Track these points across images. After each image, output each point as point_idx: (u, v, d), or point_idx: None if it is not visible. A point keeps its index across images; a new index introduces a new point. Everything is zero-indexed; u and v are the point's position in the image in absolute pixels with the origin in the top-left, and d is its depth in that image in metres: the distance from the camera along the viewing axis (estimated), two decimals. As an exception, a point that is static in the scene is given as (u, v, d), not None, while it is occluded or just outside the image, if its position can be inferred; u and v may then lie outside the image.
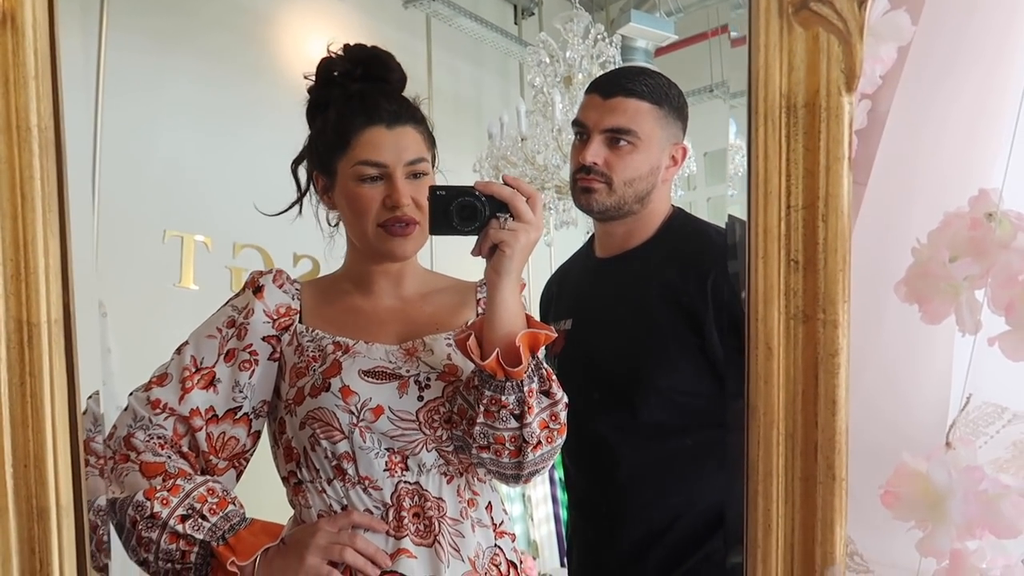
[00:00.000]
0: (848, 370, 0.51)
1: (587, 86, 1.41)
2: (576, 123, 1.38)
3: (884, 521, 0.60)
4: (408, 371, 1.07)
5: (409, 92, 1.18)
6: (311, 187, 1.18)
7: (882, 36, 0.54)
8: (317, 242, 1.26)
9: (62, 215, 0.48)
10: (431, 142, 1.16)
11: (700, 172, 4.21)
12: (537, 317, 1.59)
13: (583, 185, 1.34)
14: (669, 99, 1.38)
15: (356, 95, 1.12)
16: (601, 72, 3.11)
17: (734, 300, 1.23)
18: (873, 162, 0.60)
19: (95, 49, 3.13)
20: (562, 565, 4.19)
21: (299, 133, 1.23)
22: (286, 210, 1.21)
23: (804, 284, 0.51)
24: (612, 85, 1.37)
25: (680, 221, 1.41)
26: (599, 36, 3.17)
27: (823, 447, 0.51)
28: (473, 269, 1.09)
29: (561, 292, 1.54)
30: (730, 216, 0.59)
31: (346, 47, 1.17)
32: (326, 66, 1.16)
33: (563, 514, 4.47)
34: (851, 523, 0.54)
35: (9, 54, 0.47)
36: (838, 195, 0.50)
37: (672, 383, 1.29)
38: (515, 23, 5.35)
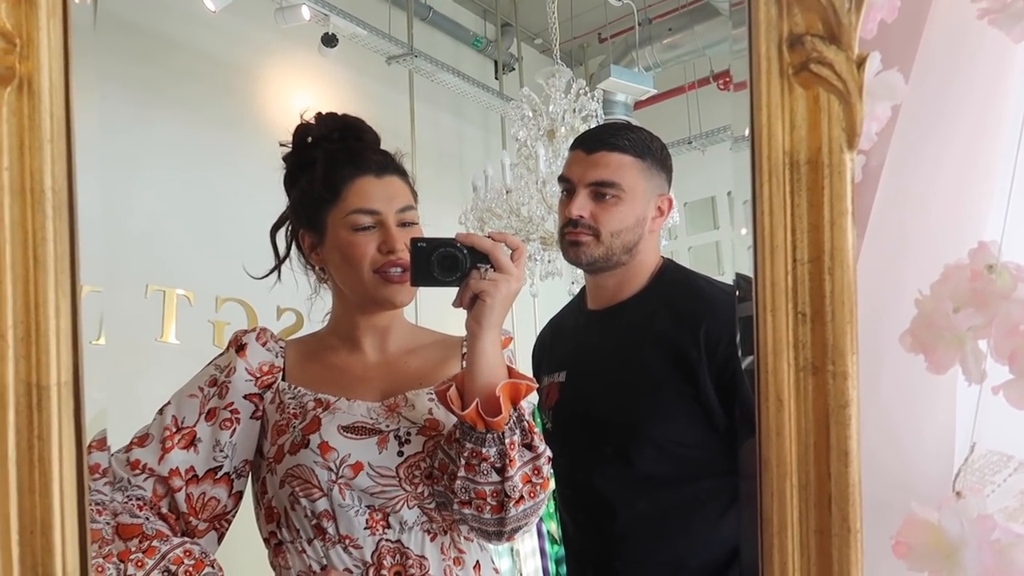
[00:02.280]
0: (859, 421, 0.51)
1: (571, 141, 1.45)
2: (562, 179, 1.41)
3: (895, 573, 0.60)
4: (388, 426, 1.07)
5: (391, 146, 1.21)
6: (298, 248, 1.20)
7: (877, 95, 0.55)
8: (300, 296, 1.26)
9: (73, 276, 0.48)
10: (414, 195, 1.18)
11: (681, 222, 4.26)
12: (529, 370, 1.60)
13: (571, 239, 1.37)
14: (651, 152, 1.41)
15: (341, 150, 1.15)
16: (583, 125, 3.17)
17: (728, 350, 1.24)
18: (870, 215, 0.61)
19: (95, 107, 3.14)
20: (550, 611, 4.12)
21: (281, 189, 1.25)
22: (265, 276, 1.23)
23: (812, 336, 0.52)
24: (595, 140, 1.41)
25: (671, 272, 1.43)
26: (581, 91, 3.23)
27: (837, 499, 0.51)
28: (456, 323, 1.10)
29: (554, 344, 1.55)
30: (737, 275, 0.59)
31: (318, 116, 1.21)
32: (303, 133, 1.19)
33: (551, 568, 4.40)
34: None
35: (25, 118, 0.47)
36: (843, 248, 0.51)
37: (666, 433, 1.29)
38: (496, 78, 5.45)
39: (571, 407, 1.40)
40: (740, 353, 0.57)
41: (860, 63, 0.50)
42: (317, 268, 1.20)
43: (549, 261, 3.23)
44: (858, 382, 0.51)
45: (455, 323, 1.09)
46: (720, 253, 5.64)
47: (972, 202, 0.59)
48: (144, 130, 3.50)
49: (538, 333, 1.65)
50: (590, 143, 1.41)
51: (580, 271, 3.16)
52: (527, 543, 4.33)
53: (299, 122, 1.20)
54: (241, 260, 1.37)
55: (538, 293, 3.44)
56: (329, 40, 3.98)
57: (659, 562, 1.28)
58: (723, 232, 5.62)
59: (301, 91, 4.41)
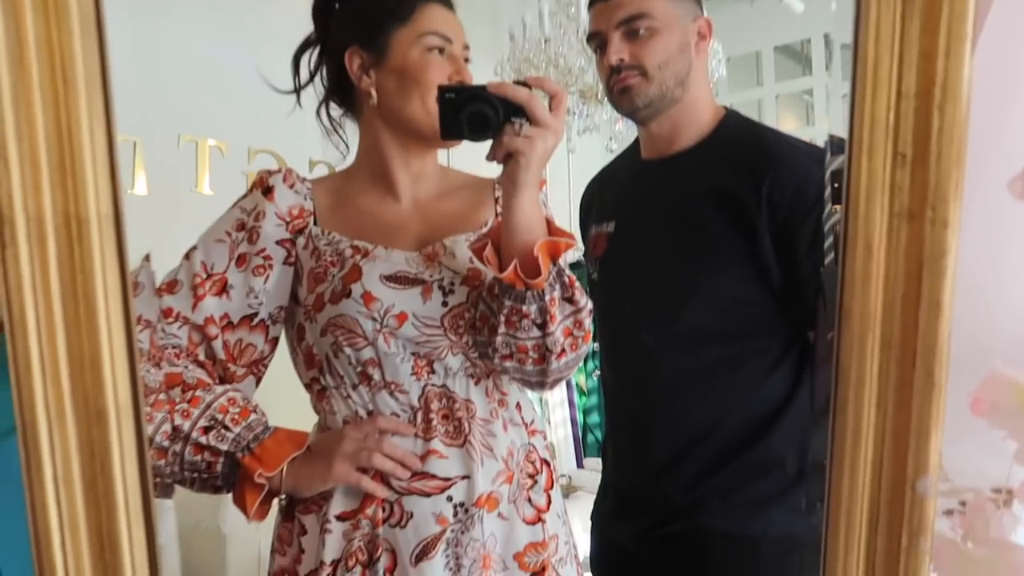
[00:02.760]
0: (955, 272, 0.47)
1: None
2: (591, 37, 1.34)
3: (967, 430, 0.57)
4: (431, 276, 1.04)
5: None
6: (335, 72, 1.12)
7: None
8: (332, 148, 1.21)
9: (107, 100, 0.44)
10: None
11: (723, 78, 4.08)
12: (569, 223, 1.55)
13: (619, 87, 1.30)
14: None
15: None
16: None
17: (791, 204, 1.19)
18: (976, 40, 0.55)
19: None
20: (579, 467, 4.27)
21: (304, 31, 1.17)
22: (290, 92, 1.16)
23: (912, 180, 0.47)
24: None
25: (734, 122, 1.36)
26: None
27: (923, 353, 0.48)
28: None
29: (604, 194, 1.50)
30: (831, 135, 0.54)
31: None
32: None
33: (579, 417, 4.53)
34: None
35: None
36: (958, 81, 0.45)
37: (718, 289, 1.26)
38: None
39: (619, 258, 1.37)
40: (828, 209, 0.52)
41: None
42: (362, 91, 1.11)
43: (587, 115, 3.13)
44: (958, 230, 0.47)
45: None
46: (762, 112, 5.45)
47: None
48: None
49: (586, 184, 1.60)
50: None
51: (619, 127, 3.06)
52: (555, 393, 4.44)
53: None
54: (273, 109, 1.32)
55: (575, 149, 3.36)
56: None
57: (696, 418, 1.28)
58: (766, 90, 5.41)
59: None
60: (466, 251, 1.06)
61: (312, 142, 1.21)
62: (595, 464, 3.98)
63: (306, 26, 1.18)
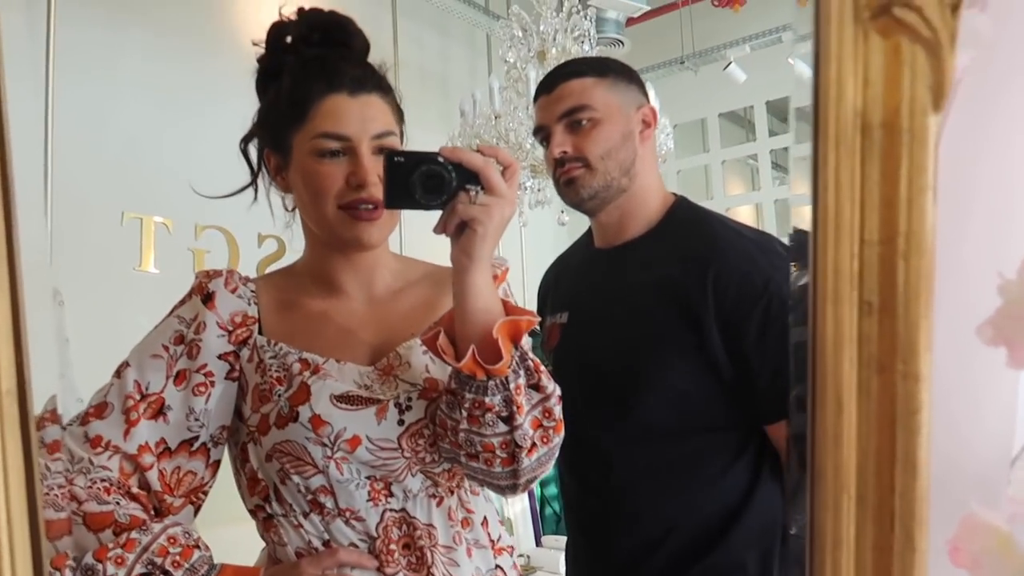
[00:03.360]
0: (930, 428, 0.45)
1: (535, 90, 1.39)
2: (536, 130, 1.36)
3: (946, 576, 0.54)
4: (386, 394, 0.97)
5: (373, 61, 1.07)
6: (265, 168, 1.07)
7: (960, 43, 0.47)
8: (282, 221, 1.16)
9: (11, 258, 0.40)
10: (399, 115, 1.05)
11: (671, 146, 4.15)
12: (531, 297, 1.52)
13: (564, 178, 1.30)
14: (612, 68, 1.34)
15: (314, 60, 1.01)
16: (575, 45, 3.04)
17: (738, 296, 1.17)
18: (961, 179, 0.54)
19: (43, 24, 2.97)
20: (537, 544, 4.18)
21: (251, 103, 1.13)
22: (235, 193, 1.10)
23: (880, 330, 0.45)
24: (551, 78, 1.35)
25: (682, 210, 1.37)
26: (573, 9, 3.08)
27: (901, 516, 0.45)
28: (446, 250, 0.96)
29: (559, 282, 1.50)
30: (795, 229, 0.52)
31: (300, 11, 1.05)
32: (278, 31, 1.05)
33: (536, 489, 4.45)
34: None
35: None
36: (921, 230, 0.43)
37: (667, 383, 1.24)
38: (482, -7, 5.23)
39: (571, 350, 1.36)
40: (790, 322, 0.50)
41: (955, 7, 0.42)
42: (283, 193, 1.08)
43: (539, 189, 3.14)
44: (931, 384, 0.45)
45: (444, 250, 0.97)
46: (709, 177, 5.55)
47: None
48: (114, 53, 3.34)
49: (544, 270, 1.59)
50: (547, 83, 1.35)
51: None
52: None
53: (277, 17, 1.06)
54: (219, 184, 1.28)
55: (527, 223, 3.36)
56: (306, -48, 3.77)
57: (652, 520, 1.25)
58: (712, 156, 5.53)
59: (279, 8, 4.21)
60: (421, 358, 1.00)
61: (261, 216, 1.15)
62: (554, 542, 3.90)
63: (252, 101, 1.14)
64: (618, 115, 1.30)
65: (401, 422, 0.96)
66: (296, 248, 1.18)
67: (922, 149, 0.43)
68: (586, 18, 3.10)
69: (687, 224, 1.33)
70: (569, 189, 1.32)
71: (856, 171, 0.44)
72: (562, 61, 3.14)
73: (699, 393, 1.23)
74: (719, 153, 5.37)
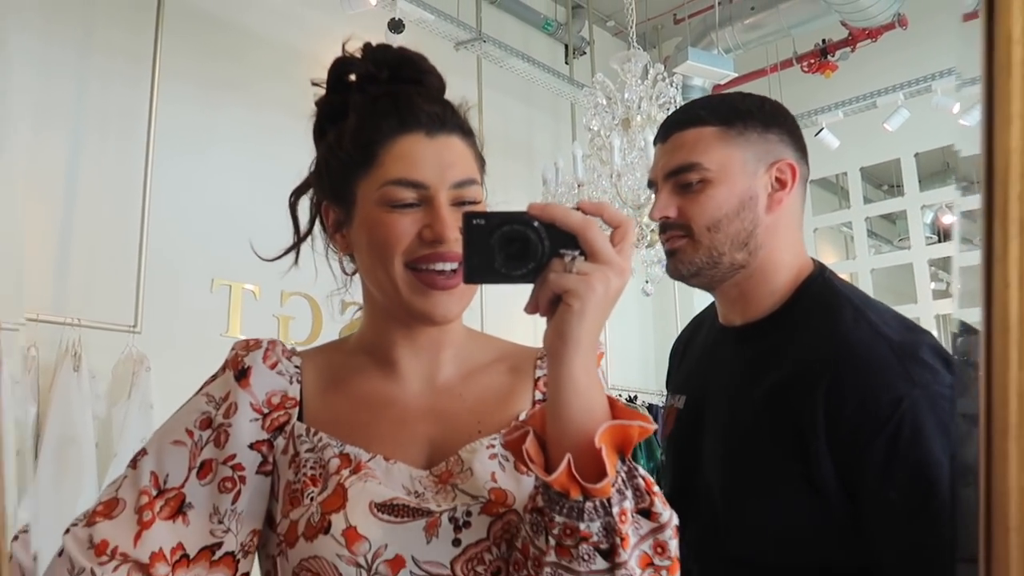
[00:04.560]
0: None
1: (648, 132, 1.23)
2: (649, 183, 1.17)
3: None
4: (439, 504, 0.79)
5: (452, 99, 0.91)
6: (320, 224, 0.92)
7: None
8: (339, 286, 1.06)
9: None
10: (481, 162, 0.89)
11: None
12: (656, 384, 1.26)
13: (667, 247, 1.11)
14: (743, 113, 1.11)
15: (384, 96, 0.86)
16: (661, 113, 2.98)
17: (858, 417, 0.92)
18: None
19: (145, 102, 3.11)
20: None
21: None
22: (276, 258, 0.95)
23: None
24: (667, 126, 1.15)
25: (816, 287, 1.12)
26: (658, 76, 3.04)
27: None
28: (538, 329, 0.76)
29: (684, 355, 1.29)
30: (961, 323, 0.43)
31: (367, 46, 0.90)
32: (341, 67, 0.91)
33: None
34: None
35: None
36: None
37: (764, 511, 1.04)
38: (566, 62, 5.26)
39: (682, 447, 1.17)
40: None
41: None
42: (342, 255, 0.91)
43: (623, 258, 3.07)
44: None
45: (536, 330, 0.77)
46: (801, 244, 5.36)
47: None
48: (208, 121, 3.46)
49: (674, 342, 1.36)
50: (662, 131, 1.15)
51: (656, 270, 2.93)
52: None
53: (341, 53, 0.91)
54: (307, 253, 1.22)
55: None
56: (396, 26, 3.86)
57: None
58: (806, 223, 5.31)
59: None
60: (486, 463, 0.82)
61: (283, 271, 1.05)
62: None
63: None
64: (738, 176, 1.08)
65: (457, 542, 0.77)
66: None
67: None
68: (671, 85, 3.05)
69: (815, 310, 1.08)
70: (670, 262, 1.12)
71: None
72: (646, 129, 3.09)
73: (801, 534, 1.00)
74: (811, 221, 5.20)
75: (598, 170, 2.99)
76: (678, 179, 1.10)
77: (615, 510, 0.69)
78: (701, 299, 1.23)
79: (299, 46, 3.84)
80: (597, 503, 0.69)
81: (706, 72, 4.10)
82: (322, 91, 0.93)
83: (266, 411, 0.85)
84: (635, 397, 4.54)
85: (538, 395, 0.88)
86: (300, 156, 0.97)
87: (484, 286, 0.78)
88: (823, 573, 1.00)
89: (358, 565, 0.75)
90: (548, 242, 0.68)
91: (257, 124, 3.60)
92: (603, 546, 0.69)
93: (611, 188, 2.82)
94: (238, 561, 0.81)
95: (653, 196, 1.16)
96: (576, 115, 5.06)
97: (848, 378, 0.97)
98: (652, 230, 2.77)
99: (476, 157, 0.87)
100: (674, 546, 0.73)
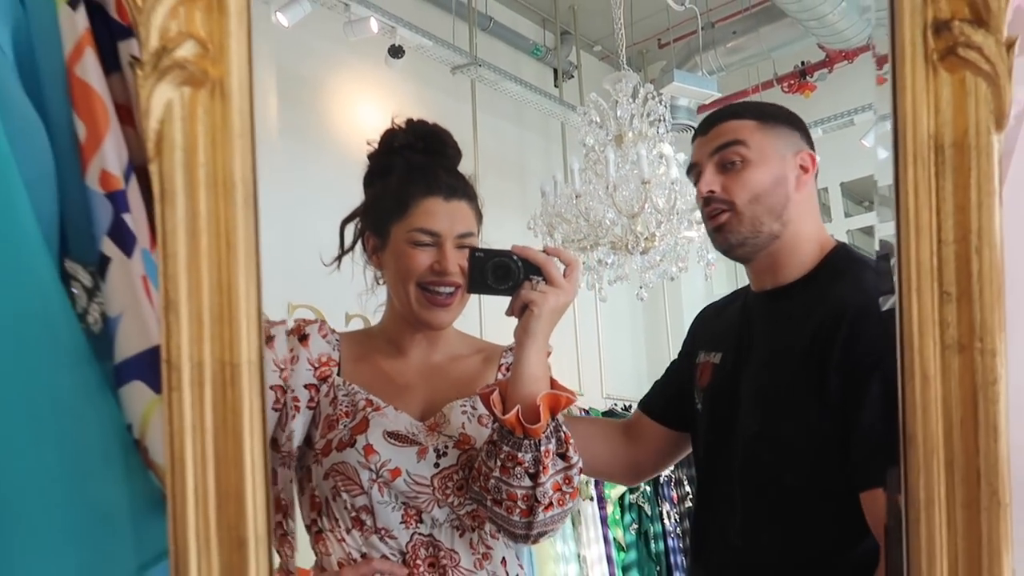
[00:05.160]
0: (1007, 397, 0.52)
1: (639, 146, 1.41)
2: (690, 168, 1.36)
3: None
4: (428, 441, 1.15)
5: (465, 171, 1.26)
6: (362, 246, 1.26)
7: (1016, 80, 0.57)
8: (369, 304, 1.31)
9: (258, 261, 0.52)
10: (479, 217, 1.24)
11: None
12: (605, 361, 1.59)
13: (712, 224, 1.30)
14: (772, 114, 1.33)
15: (418, 166, 1.21)
16: (651, 129, 3.19)
17: (863, 353, 1.12)
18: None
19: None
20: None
21: (348, 197, 1.32)
22: (331, 263, 1.28)
23: (959, 315, 0.53)
24: (708, 120, 1.35)
25: (842, 258, 1.30)
26: (649, 95, 3.24)
27: (986, 474, 0.52)
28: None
29: (714, 321, 1.49)
30: (881, 241, 0.61)
31: (409, 122, 1.27)
32: (390, 137, 1.26)
33: (618, 574, 4.38)
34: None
35: (217, 117, 0.51)
36: (991, 229, 0.52)
37: (794, 439, 1.23)
38: (555, 85, 5.48)
39: (720, 392, 1.35)
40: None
41: (1009, 46, 0.51)
42: (376, 270, 1.27)
43: (618, 266, 3.24)
44: (1006, 359, 0.53)
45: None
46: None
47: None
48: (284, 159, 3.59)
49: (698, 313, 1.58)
50: (704, 124, 1.34)
51: (649, 276, 3.10)
52: (594, 549, 4.33)
53: (390, 125, 1.27)
54: (309, 268, 1.43)
55: (607, 299, 3.45)
56: (396, 51, 4.06)
57: (773, 567, 1.25)
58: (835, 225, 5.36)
59: (367, 103, 4.50)
60: (459, 416, 1.18)
61: (348, 298, 1.33)
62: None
63: (341, 191, 1.36)
64: (773, 158, 1.27)
65: (436, 465, 1.13)
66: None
67: (988, 162, 0.53)
68: (661, 103, 3.25)
69: (841, 273, 1.26)
70: (718, 236, 1.30)
71: (932, 184, 0.54)
72: (638, 144, 3.30)
73: (816, 454, 1.19)
74: (843, 223, 5.29)
75: (593, 182, 3.17)
76: (723, 155, 1.28)
77: (542, 448, 1.05)
78: (690, 313, 1.43)
79: (303, 72, 4.02)
80: (532, 441, 1.05)
81: (691, 92, 4.32)
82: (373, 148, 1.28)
83: (317, 366, 1.19)
84: (629, 407, 4.70)
85: (500, 376, 1.23)
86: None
87: (481, 297, 1.18)
88: (821, 496, 1.21)
89: (370, 470, 1.11)
90: (523, 270, 1.08)
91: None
92: (531, 471, 1.05)
93: (606, 198, 3.01)
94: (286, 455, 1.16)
95: (694, 182, 1.35)
96: (566, 134, 5.27)
97: (862, 321, 1.16)
98: (646, 238, 2.96)
99: (476, 216, 1.22)
100: (577, 480, 1.09)
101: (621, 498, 4.47)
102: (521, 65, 5.28)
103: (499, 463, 1.05)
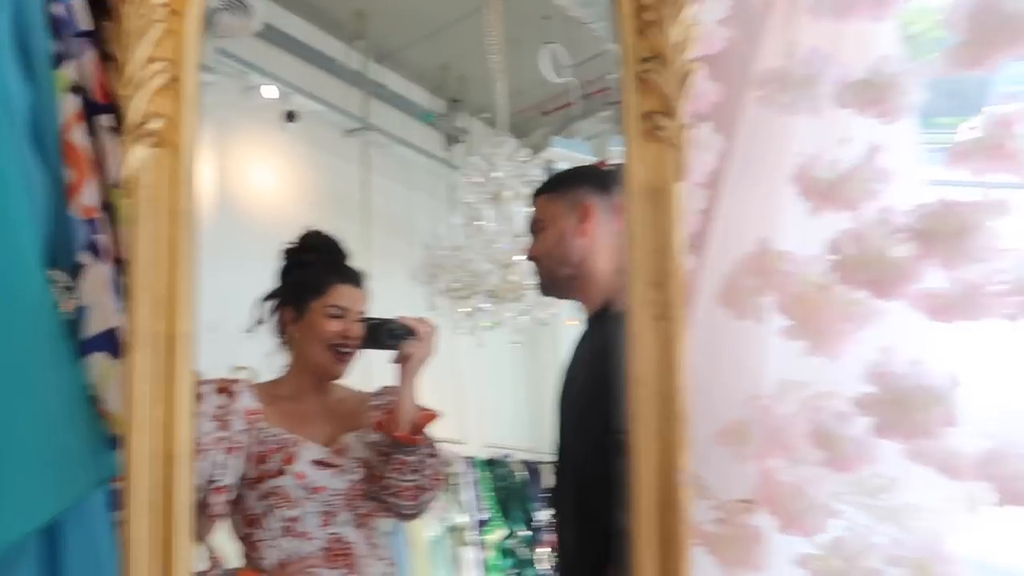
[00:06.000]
0: (685, 350, 0.82)
1: (515, 205, 1.72)
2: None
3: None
4: (341, 462, 1.56)
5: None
6: (279, 320, 1.64)
7: (701, 147, 0.88)
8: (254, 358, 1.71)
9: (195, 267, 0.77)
10: (369, 296, 1.68)
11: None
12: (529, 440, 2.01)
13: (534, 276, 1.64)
14: (558, 181, 1.70)
15: (329, 262, 1.66)
16: (526, 189, 3.52)
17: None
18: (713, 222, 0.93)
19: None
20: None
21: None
22: (249, 330, 1.67)
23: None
24: (534, 197, 1.69)
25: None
26: (522, 159, 3.58)
27: (676, 397, 0.82)
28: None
29: None
30: None
31: (316, 232, 1.70)
32: (305, 241, 1.69)
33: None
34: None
35: (172, 169, 0.77)
36: (679, 239, 0.82)
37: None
38: (445, 150, 5.78)
39: (562, 405, 1.59)
40: None
41: (683, 128, 0.83)
42: (286, 337, 1.64)
43: (494, 312, 3.52)
44: (686, 325, 0.82)
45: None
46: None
47: (760, 216, 0.91)
48: None
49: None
50: (532, 201, 1.68)
51: (523, 319, 3.37)
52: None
53: (304, 232, 1.70)
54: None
55: (485, 344, 3.71)
56: (290, 116, 4.26)
57: None
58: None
59: (261, 164, 4.66)
60: (356, 442, 1.58)
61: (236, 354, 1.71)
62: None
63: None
64: (558, 220, 1.55)
65: (349, 480, 1.54)
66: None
67: (676, 198, 0.83)
68: (536, 166, 3.60)
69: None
70: (537, 284, 1.65)
71: (647, 215, 0.84)
72: (515, 203, 3.62)
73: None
74: None
75: (472, 236, 3.47)
76: (532, 225, 1.64)
77: (424, 451, 1.51)
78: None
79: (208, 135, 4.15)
80: (415, 448, 1.50)
81: (569, 157, 4.70)
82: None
83: (245, 415, 1.55)
84: (507, 456, 4.86)
85: (372, 412, 1.60)
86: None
87: (373, 352, 1.59)
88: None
89: (303, 489, 1.50)
90: (404, 331, 1.54)
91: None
92: (415, 468, 1.50)
93: (483, 250, 3.31)
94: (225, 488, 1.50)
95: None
96: (451, 194, 5.54)
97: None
98: (520, 286, 3.27)
99: (368, 296, 1.66)
100: (442, 471, 1.57)
101: (500, 544, 4.60)
102: (411, 129, 5.56)
103: (393, 466, 1.49)
